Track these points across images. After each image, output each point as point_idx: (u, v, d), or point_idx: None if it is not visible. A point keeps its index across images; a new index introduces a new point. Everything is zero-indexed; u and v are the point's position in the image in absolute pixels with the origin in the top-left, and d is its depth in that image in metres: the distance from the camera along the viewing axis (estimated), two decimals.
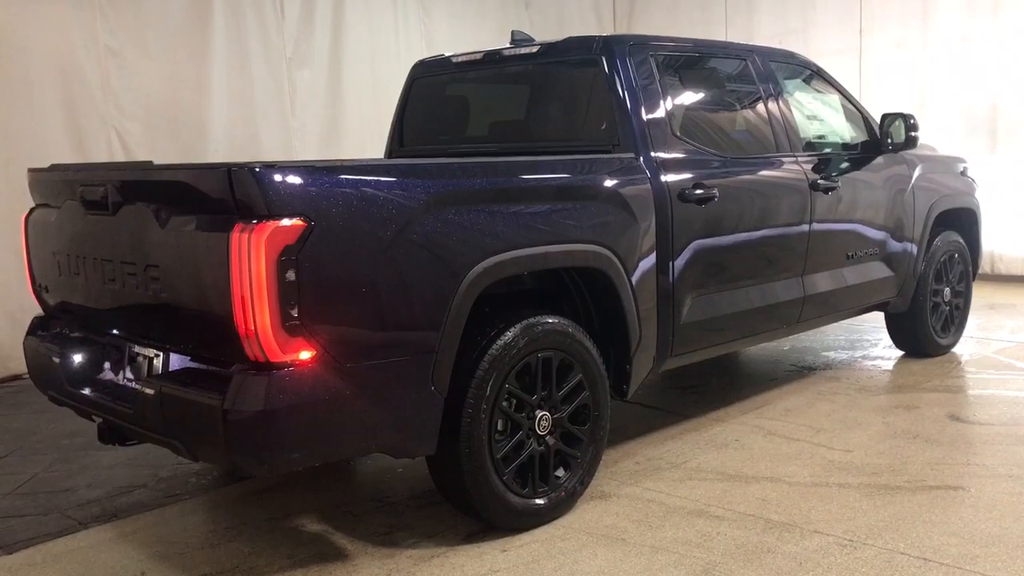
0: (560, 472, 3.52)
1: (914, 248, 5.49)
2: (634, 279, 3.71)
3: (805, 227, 4.66)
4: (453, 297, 3.03)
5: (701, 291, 4.13)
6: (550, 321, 3.39)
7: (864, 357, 6.04)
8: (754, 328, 4.57)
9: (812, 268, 4.75)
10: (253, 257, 2.64)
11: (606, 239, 3.58)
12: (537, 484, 3.40)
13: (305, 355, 2.75)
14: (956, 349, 6.06)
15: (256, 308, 2.66)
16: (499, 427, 3.30)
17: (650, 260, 3.83)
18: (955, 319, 6.02)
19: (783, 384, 5.40)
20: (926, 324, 5.72)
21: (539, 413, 3.39)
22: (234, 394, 2.71)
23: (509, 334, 3.25)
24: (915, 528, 3.29)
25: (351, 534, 3.43)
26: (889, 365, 5.81)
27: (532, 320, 3.34)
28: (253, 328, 2.67)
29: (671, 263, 3.94)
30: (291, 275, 2.68)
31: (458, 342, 3.08)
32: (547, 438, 3.43)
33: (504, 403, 3.28)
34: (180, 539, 3.46)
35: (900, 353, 6.02)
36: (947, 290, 5.88)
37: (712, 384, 5.50)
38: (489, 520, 3.33)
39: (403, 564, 3.15)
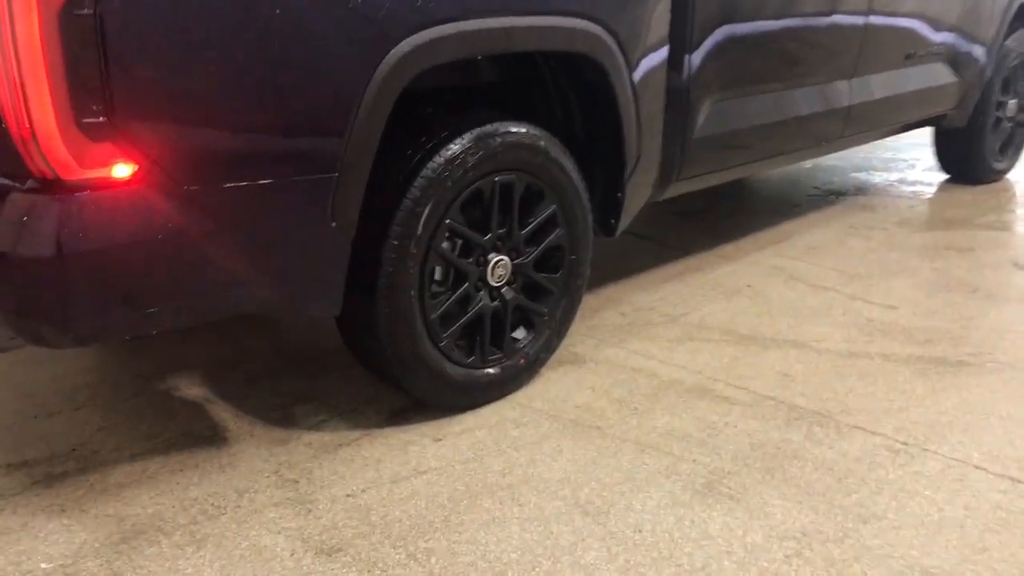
0: (520, 333, 2.63)
1: (984, 49, 4.39)
2: (636, 74, 2.67)
3: (861, 17, 3.56)
4: (365, 89, 2.01)
5: (724, 94, 3.10)
6: (515, 131, 2.38)
7: (901, 181, 5.08)
8: (786, 145, 3.58)
9: (864, 68, 3.70)
10: (18, 7, 1.61)
11: (600, 12, 2.50)
12: (487, 350, 2.51)
13: (120, 171, 1.77)
14: (1010, 176, 5.08)
15: (30, 94, 1.66)
16: (436, 277, 2.37)
17: (660, 49, 2.77)
18: (1016, 139, 5.00)
19: (806, 213, 4.46)
20: (984, 143, 4.71)
21: (494, 258, 2.45)
22: (9, 229, 1.75)
23: (455, 147, 2.26)
24: (990, 427, 2.45)
25: (239, 406, 2.57)
26: (932, 192, 4.86)
27: (489, 128, 2.33)
28: (29, 127, 1.67)
29: (687, 55, 2.89)
30: (87, 38, 1.66)
31: (373, 156, 2.09)
32: (504, 291, 2.51)
33: (444, 245, 2.32)
34: (10, 404, 2.60)
35: (943, 177, 5.05)
36: (1012, 103, 4.83)
37: (720, 210, 4.56)
38: (420, 397, 2.46)
39: (297, 457, 2.30)
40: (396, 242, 2.21)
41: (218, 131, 1.86)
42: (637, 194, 2.87)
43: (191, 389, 2.69)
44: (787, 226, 4.24)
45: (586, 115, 2.74)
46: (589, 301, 3.26)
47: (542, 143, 2.45)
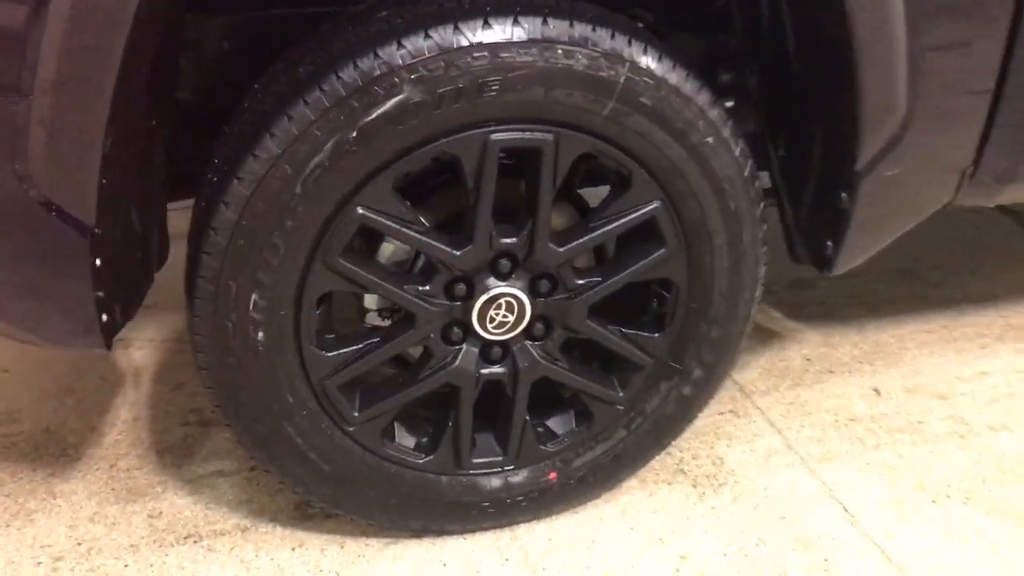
0: (560, 423, 1.39)
1: None
2: None
3: None
4: None
5: None
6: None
7: None
8: None
9: None
10: None
11: None
12: (463, 446, 1.34)
13: None
14: None
15: None
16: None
17: None
18: None
19: None
20: None
21: (489, 288, 1.23)
22: None
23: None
24: None
25: None
26: None
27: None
28: None
29: None
30: None
31: (118, 67, 0.96)
32: (521, 347, 1.29)
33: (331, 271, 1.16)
34: None
35: None
36: None
37: None
38: (311, 500, 1.37)
39: None
40: (218, 235, 1.09)
41: None
42: (900, 194, 1.35)
43: None
44: None
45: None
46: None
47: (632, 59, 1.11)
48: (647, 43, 1.13)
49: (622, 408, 1.37)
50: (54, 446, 1.59)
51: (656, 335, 1.34)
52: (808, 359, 1.84)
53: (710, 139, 1.19)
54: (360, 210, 1.12)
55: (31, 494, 1.48)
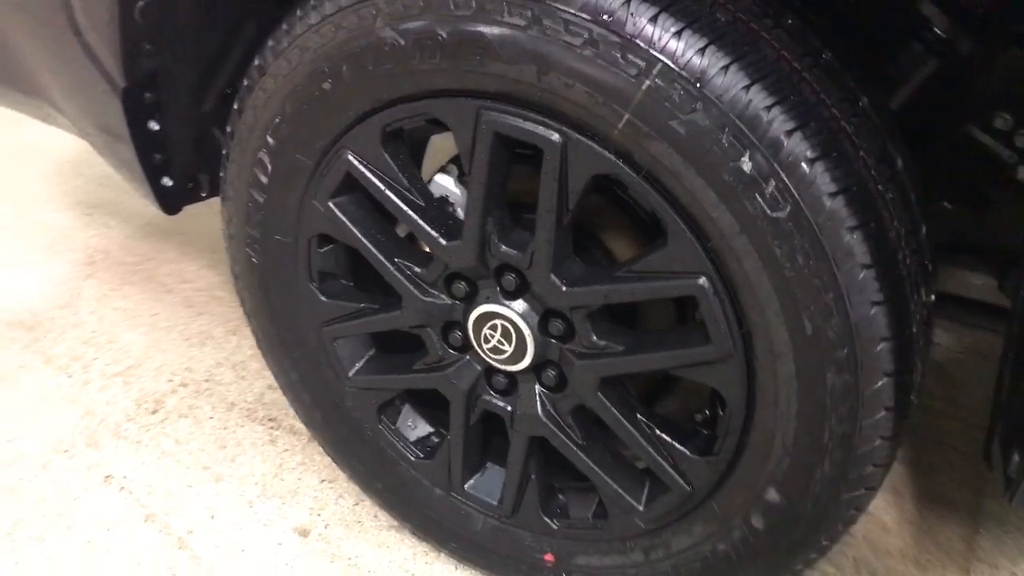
0: (579, 508, 1.10)
1: None
2: None
3: None
4: None
5: None
6: None
7: None
8: None
9: None
10: None
11: None
12: None
13: None
14: None
15: None
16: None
17: None
18: None
19: None
20: None
21: (476, 308, 1.00)
22: None
23: None
24: None
25: None
26: None
27: None
28: None
29: None
30: None
31: None
32: (515, 395, 1.04)
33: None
34: None
35: None
36: None
37: None
38: None
39: None
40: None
41: None
42: None
43: None
44: None
45: None
46: None
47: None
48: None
49: (642, 526, 1.01)
50: None
51: (698, 458, 0.94)
52: None
53: (780, 213, 0.76)
54: (348, 156, 0.96)
55: None
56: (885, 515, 1.30)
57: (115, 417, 1.45)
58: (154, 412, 1.46)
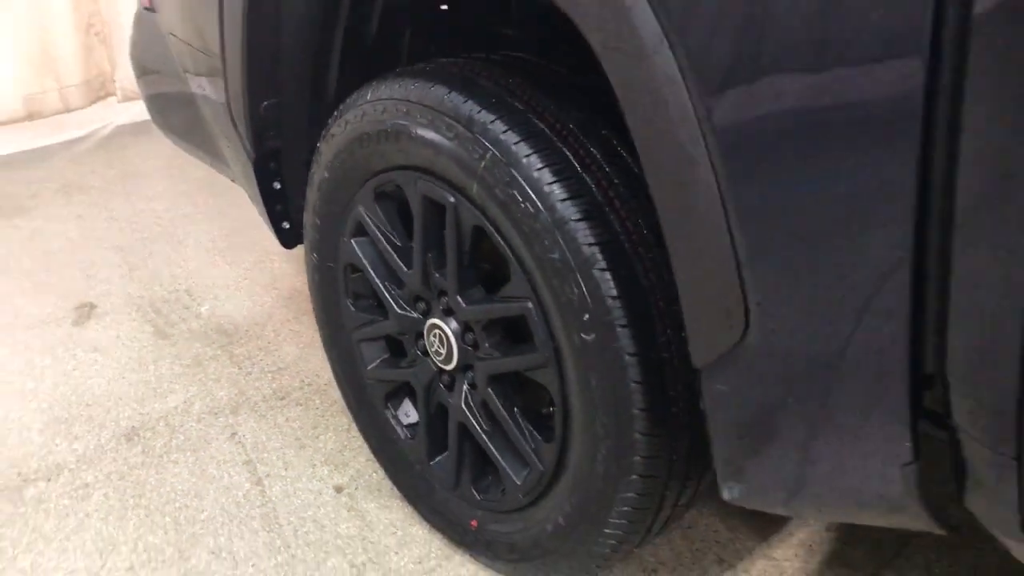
0: (496, 484, 1.46)
1: None
2: None
3: None
4: None
5: None
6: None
7: None
8: None
9: None
10: None
11: None
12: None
13: None
14: None
15: None
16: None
17: None
18: None
19: None
20: None
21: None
22: None
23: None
24: None
25: None
26: None
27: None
28: None
29: None
30: None
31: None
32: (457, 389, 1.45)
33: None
34: None
35: None
36: None
37: None
38: None
39: None
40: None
41: None
42: None
43: None
44: None
45: None
46: None
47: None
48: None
49: (521, 498, 1.35)
50: None
51: (546, 444, 1.28)
52: None
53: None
54: (360, 208, 1.45)
55: None
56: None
57: (255, 398, 2.00)
58: (281, 399, 2.00)
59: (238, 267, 2.64)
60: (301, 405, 1.97)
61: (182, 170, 3.39)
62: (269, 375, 2.10)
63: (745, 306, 0.93)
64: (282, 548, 1.58)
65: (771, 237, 0.87)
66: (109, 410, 1.98)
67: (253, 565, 1.55)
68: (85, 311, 2.43)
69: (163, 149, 3.37)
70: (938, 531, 0.95)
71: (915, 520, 0.95)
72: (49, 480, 1.77)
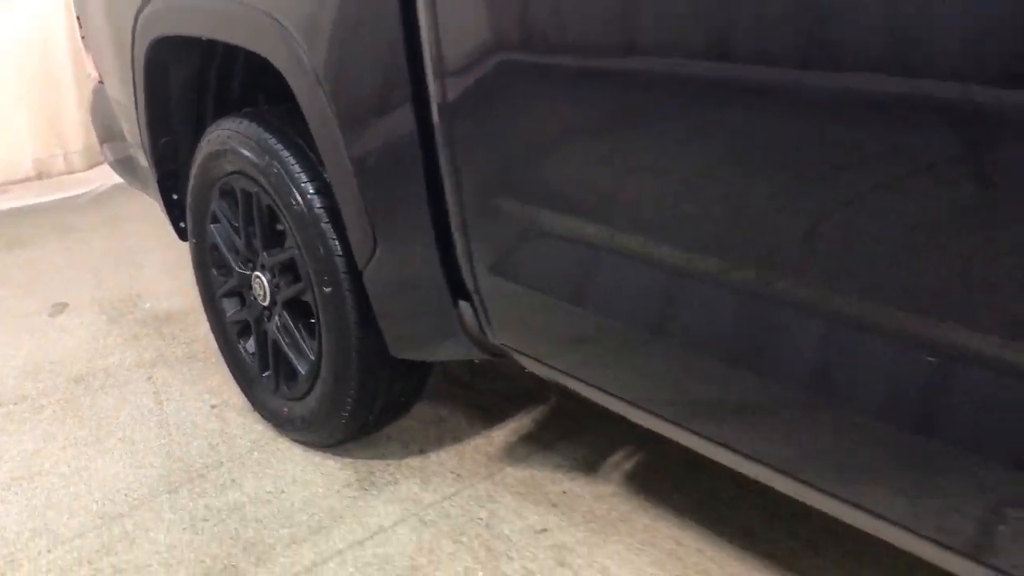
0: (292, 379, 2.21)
1: None
2: None
3: None
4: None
5: None
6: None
7: None
8: None
9: None
10: None
11: None
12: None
13: None
14: None
15: None
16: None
17: None
18: None
19: None
20: None
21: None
22: None
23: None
24: None
25: None
26: None
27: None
28: None
29: None
30: None
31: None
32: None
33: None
34: None
35: None
36: None
37: None
38: None
39: None
40: None
41: None
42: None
43: None
44: None
45: None
46: None
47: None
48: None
49: (306, 386, 2.10)
50: None
51: (312, 340, 2.04)
52: None
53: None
54: (213, 203, 2.24)
55: None
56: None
57: (171, 358, 2.77)
58: (190, 358, 2.76)
59: (179, 280, 3.43)
60: (201, 361, 2.74)
61: (155, 217, 4.21)
62: (184, 345, 2.87)
63: (373, 232, 1.70)
64: (165, 436, 2.33)
65: (367, 186, 1.65)
66: (65, 365, 2.76)
67: (144, 444, 2.29)
68: (59, 307, 3.22)
69: (142, 203, 4.20)
70: (480, 357, 1.71)
71: (469, 350, 1.70)
72: (15, 404, 2.54)
